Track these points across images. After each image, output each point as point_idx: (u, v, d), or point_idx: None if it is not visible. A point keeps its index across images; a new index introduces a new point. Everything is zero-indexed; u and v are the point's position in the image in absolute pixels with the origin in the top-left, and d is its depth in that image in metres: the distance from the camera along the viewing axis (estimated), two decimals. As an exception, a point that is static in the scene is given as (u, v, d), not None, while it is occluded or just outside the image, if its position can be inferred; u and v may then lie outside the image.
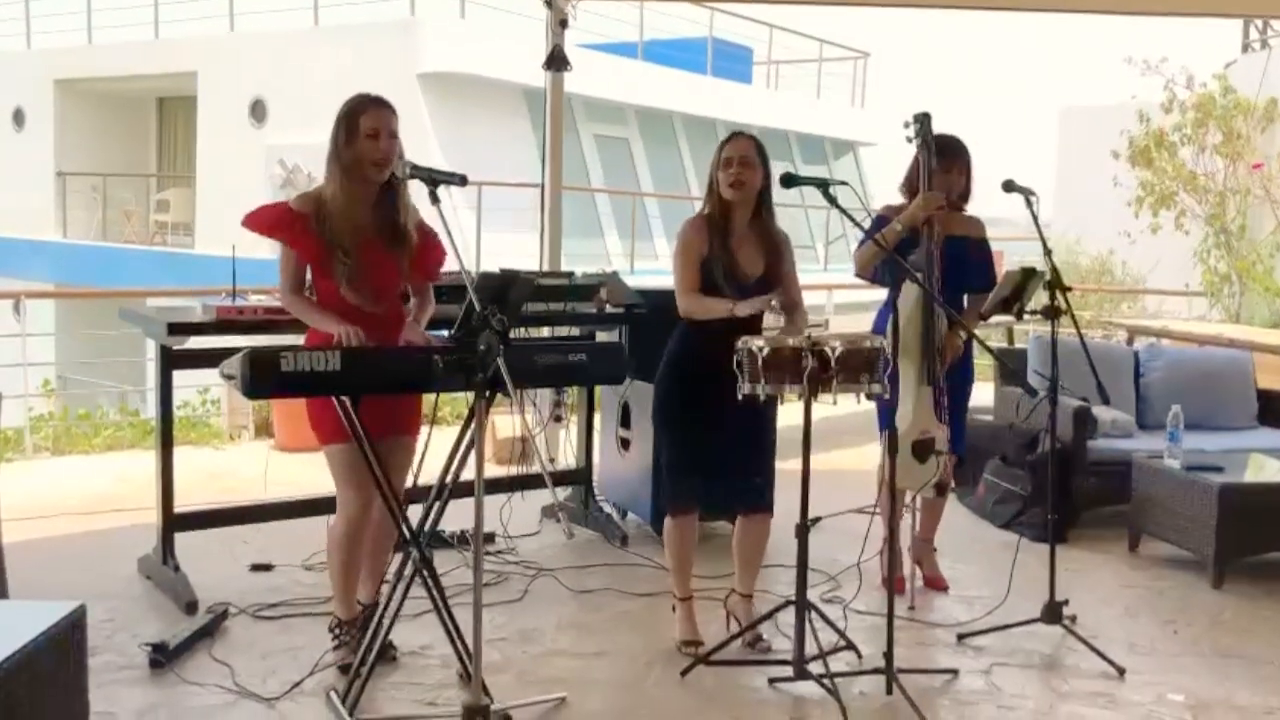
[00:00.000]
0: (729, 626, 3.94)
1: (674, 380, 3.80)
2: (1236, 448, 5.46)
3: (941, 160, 4.22)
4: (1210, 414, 5.89)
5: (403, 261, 3.49)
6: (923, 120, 4.12)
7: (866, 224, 4.11)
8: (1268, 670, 3.92)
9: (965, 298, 4.47)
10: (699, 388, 3.69)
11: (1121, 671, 3.81)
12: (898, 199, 4.38)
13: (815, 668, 3.50)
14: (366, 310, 3.44)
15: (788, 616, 3.62)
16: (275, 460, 5.96)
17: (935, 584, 4.61)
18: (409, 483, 3.60)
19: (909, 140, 4.18)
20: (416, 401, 3.62)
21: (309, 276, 3.49)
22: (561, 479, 5.43)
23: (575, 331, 5.15)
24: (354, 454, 3.41)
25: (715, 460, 3.76)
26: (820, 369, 3.34)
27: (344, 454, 3.45)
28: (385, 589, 3.60)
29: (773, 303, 3.60)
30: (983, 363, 7.06)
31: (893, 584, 3.83)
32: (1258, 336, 7.56)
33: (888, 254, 3.90)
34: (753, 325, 3.67)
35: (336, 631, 3.65)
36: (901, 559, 4.38)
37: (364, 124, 3.38)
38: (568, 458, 5.59)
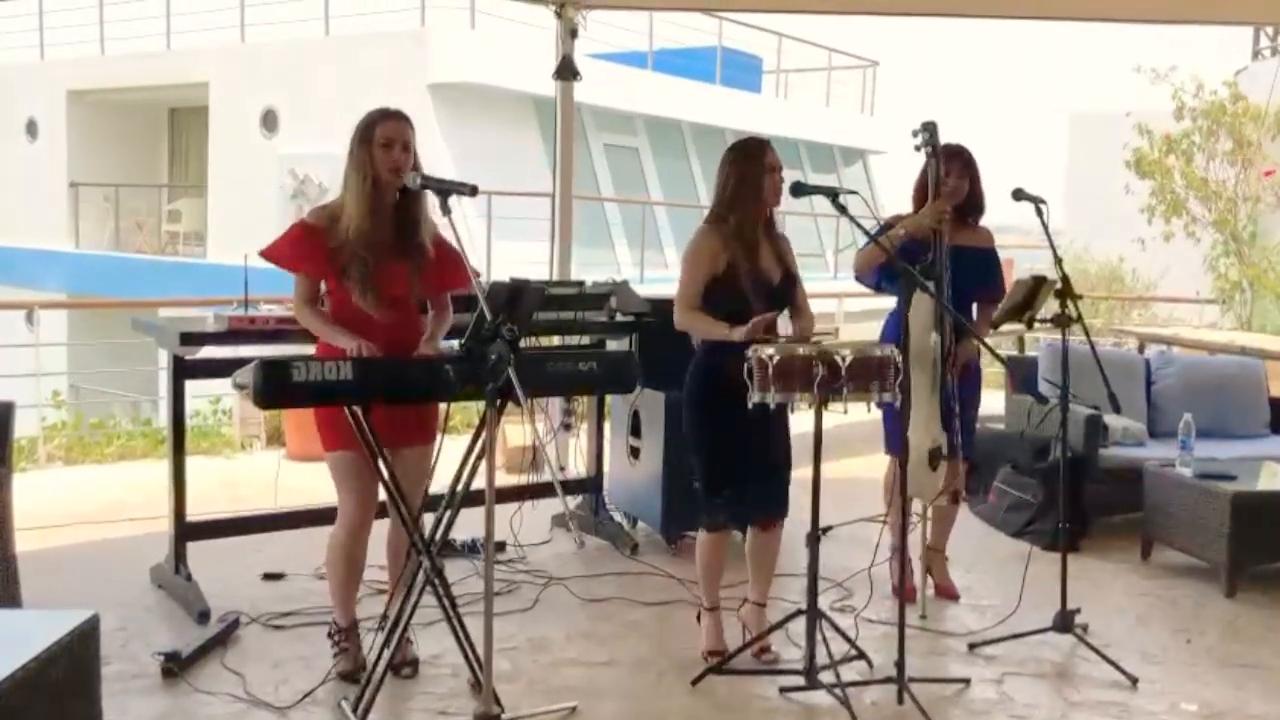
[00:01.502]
0: (744, 636, 3.93)
1: (702, 400, 3.78)
2: (1249, 455, 5.45)
3: (947, 166, 4.23)
4: (1222, 422, 5.88)
5: (416, 272, 3.51)
6: (930, 129, 4.13)
7: (875, 232, 4.12)
8: (1282, 679, 3.91)
9: (975, 307, 4.47)
10: (725, 404, 3.64)
11: (1134, 681, 3.79)
12: (909, 207, 4.38)
13: (826, 677, 3.50)
14: (379, 319, 3.45)
15: (799, 625, 3.62)
16: (286, 469, 5.98)
17: (947, 592, 4.60)
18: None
19: (917, 149, 4.19)
20: (431, 410, 3.63)
21: (323, 287, 3.52)
22: (572, 487, 5.43)
23: (585, 340, 5.15)
24: (356, 461, 3.44)
25: (743, 472, 3.76)
26: (830, 377, 3.34)
27: (346, 461, 3.47)
28: (391, 599, 3.62)
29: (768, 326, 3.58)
30: (994, 370, 7.04)
31: (903, 592, 3.83)
32: (1269, 344, 7.53)
33: (888, 256, 3.90)
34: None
35: (336, 639, 3.67)
36: (912, 567, 4.37)
37: (379, 133, 3.42)
38: (578, 466, 5.59)
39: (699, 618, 3.98)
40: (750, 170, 3.73)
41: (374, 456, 3.33)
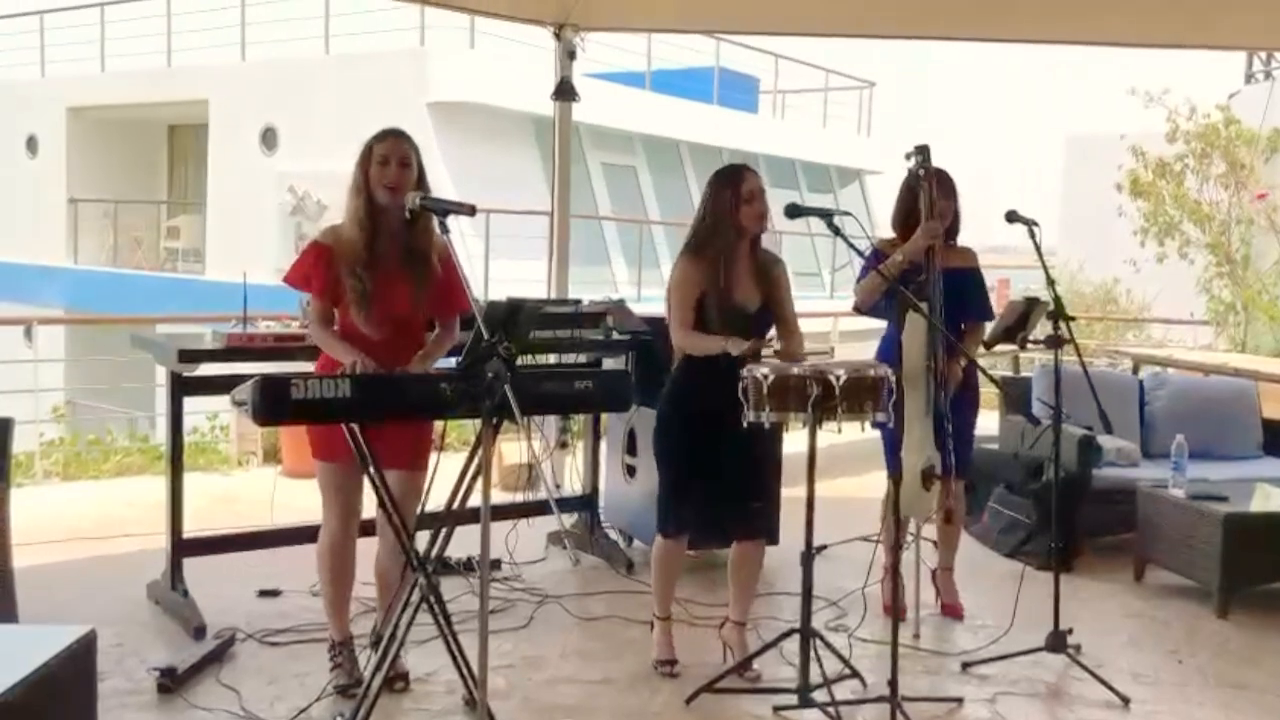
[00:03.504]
0: (725, 654, 3.94)
1: (674, 412, 3.84)
2: (1241, 477, 5.47)
3: (938, 190, 4.28)
4: (1215, 443, 5.89)
5: (418, 291, 3.54)
6: (923, 152, 4.19)
7: (866, 262, 4.16)
8: (1273, 700, 3.92)
9: (963, 327, 4.51)
10: (698, 419, 3.71)
11: (1126, 701, 3.81)
12: (891, 231, 4.44)
13: (820, 696, 3.51)
14: (378, 338, 3.48)
15: (793, 644, 3.63)
16: (283, 486, 5.97)
17: (953, 611, 4.62)
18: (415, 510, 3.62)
19: (911, 171, 4.24)
20: (424, 435, 3.65)
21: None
22: (567, 506, 5.44)
23: (582, 358, 5.17)
24: (342, 473, 3.48)
25: (713, 490, 3.79)
26: (824, 397, 3.37)
27: (333, 472, 3.51)
28: (389, 614, 3.62)
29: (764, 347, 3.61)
30: (988, 391, 7.05)
31: (896, 611, 3.84)
32: (1263, 366, 7.55)
33: (891, 285, 3.94)
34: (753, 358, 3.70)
35: (332, 654, 3.69)
36: (903, 587, 4.39)
37: (376, 151, 3.47)
38: (574, 484, 5.60)
39: (651, 626, 4.01)
40: (726, 198, 3.75)
41: (368, 473, 3.35)
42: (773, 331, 3.92)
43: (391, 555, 3.60)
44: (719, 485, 3.79)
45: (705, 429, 3.69)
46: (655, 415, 3.90)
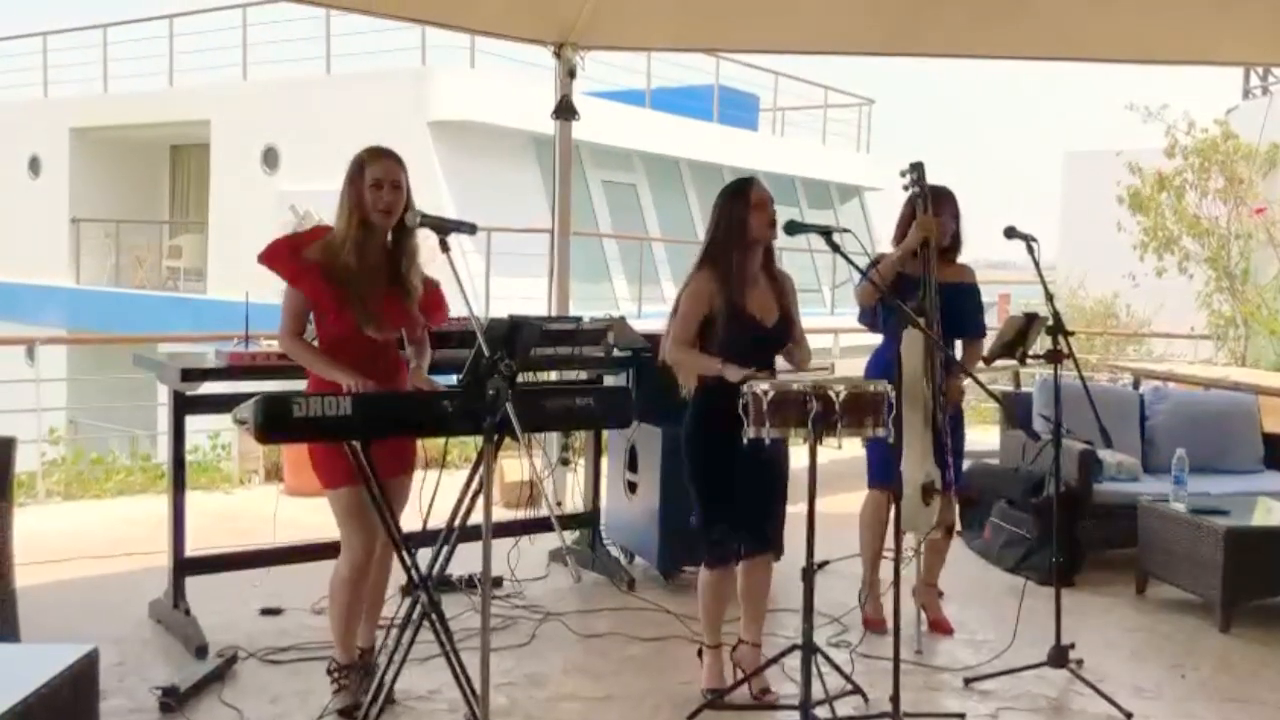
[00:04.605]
0: (734, 676, 3.93)
1: (702, 437, 3.78)
2: (1242, 491, 5.48)
3: (934, 205, 4.31)
4: (1216, 457, 5.90)
5: (411, 304, 3.58)
6: (918, 169, 4.23)
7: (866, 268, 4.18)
8: (1275, 715, 3.92)
9: (960, 343, 4.53)
10: (726, 441, 3.66)
11: (1128, 716, 3.80)
12: (891, 247, 4.47)
13: (822, 712, 3.51)
14: (380, 344, 3.51)
15: (794, 660, 3.63)
16: (284, 504, 5.99)
17: (940, 627, 4.61)
18: (418, 526, 3.62)
19: (905, 189, 4.28)
20: (410, 442, 3.67)
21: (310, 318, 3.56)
22: (569, 523, 5.45)
23: (583, 375, 5.19)
24: (358, 497, 3.46)
25: (735, 508, 3.78)
26: (824, 412, 3.38)
27: (348, 497, 3.49)
28: (389, 633, 3.63)
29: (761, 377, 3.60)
30: (987, 406, 7.06)
31: (897, 624, 3.83)
32: (1264, 380, 7.55)
33: (881, 292, 3.95)
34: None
35: (335, 675, 3.68)
36: (882, 599, 4.38)
37: (368, 174, 3.48)
38: (575, 501, 5.60)
39: (700, 654, 3.99)
40: (736, 210, 3.77)
41: (371, 490, 3.36)
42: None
43: (381, 567, 3.62)
44: (740, 503, 3.76)
45: (732, 450, 3.63)
46: (681, 447, 3.84)
